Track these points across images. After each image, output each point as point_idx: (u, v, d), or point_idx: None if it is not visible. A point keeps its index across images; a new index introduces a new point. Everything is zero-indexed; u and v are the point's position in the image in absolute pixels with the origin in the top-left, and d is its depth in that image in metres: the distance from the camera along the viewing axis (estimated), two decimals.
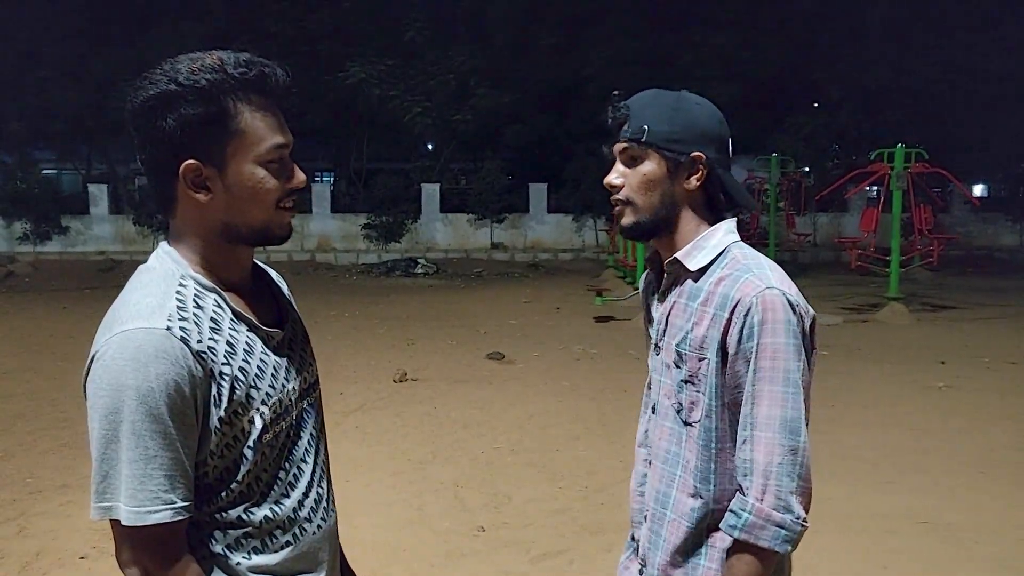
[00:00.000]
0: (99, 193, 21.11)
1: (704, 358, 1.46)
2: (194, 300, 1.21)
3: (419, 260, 18.64)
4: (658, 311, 1.60)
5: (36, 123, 20.56)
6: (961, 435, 5.80)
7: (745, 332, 1.39)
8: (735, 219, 1.57)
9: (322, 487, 1.39)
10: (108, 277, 17.03)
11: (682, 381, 1.51)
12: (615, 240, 16.51)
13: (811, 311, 1.46)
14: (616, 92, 1.53)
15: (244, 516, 1.25)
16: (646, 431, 1.66)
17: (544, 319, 11.22)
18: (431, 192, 21.26)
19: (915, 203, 13.08)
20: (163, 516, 1.14)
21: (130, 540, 1.16)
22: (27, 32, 19.55)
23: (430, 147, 23.76)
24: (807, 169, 21.65)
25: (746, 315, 1.39)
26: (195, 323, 1.18)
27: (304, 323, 1.50)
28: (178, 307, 1.18)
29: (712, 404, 1.46)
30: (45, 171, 26.40)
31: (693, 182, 1.50)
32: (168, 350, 1.13)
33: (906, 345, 9.25)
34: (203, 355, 1.17)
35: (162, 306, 1.17)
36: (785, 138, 20.18)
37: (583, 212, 20.84)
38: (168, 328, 1.14)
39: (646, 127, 1.47)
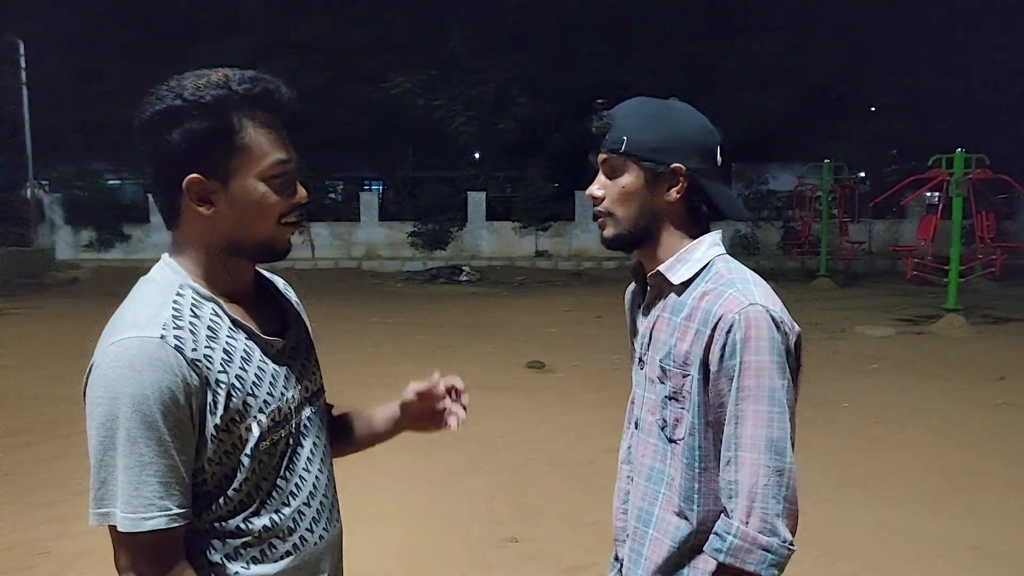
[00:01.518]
0: None
1: (688, 374, 1.42)
2: (191, 309, 1.23)
3: (463, 267, 18.70)
4: (643, 324, 1.57)
5: (93, 135, 21.25)
6: (1019, 457, 5.54)
7: (727, 349, 1.35)
8: (720, 231, 1.53)
9: (326, 497, 1.39)
10: None
11: (666, 397, 1.47)
12: None
13: (796, 328, 1.41)
14: (600, 100, 1.50)
15: (243, 525, 1.26)
16: (629, 447, 1.63)
17: (585, 328, 11.12)
18: (477, 200, 21.34)
19: (976, 210, 12.62)
20: (158, 523, 1.15)
21: (127, 546, 1.17)
22: (84, 48, 20.26)
23: (477, 156, 23.88)
24: (863, 175, 21.14)
25: (728, 332, 1.35)
26: (191, 332, 1.20)
27: (310, 331, 1.50)
28: (174, 316, 1.20)
29: (695, 422, 1.42)
30: (110, 181, 27.34)
31: (673, 194, 1.46)
32: (162, 358, 1.15)
33: (963, 359, 8.91)
34: (198, 363, 1.18)
35: (157, 315, 1.19)
36: (839, 144, 19.73)
37: None
38: (162, 337, 1.16)
39: (625, 138, 1.44)
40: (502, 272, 19.36)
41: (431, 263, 20.17)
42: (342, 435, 1.59)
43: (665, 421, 1.47)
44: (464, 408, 1.57)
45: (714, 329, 1.36)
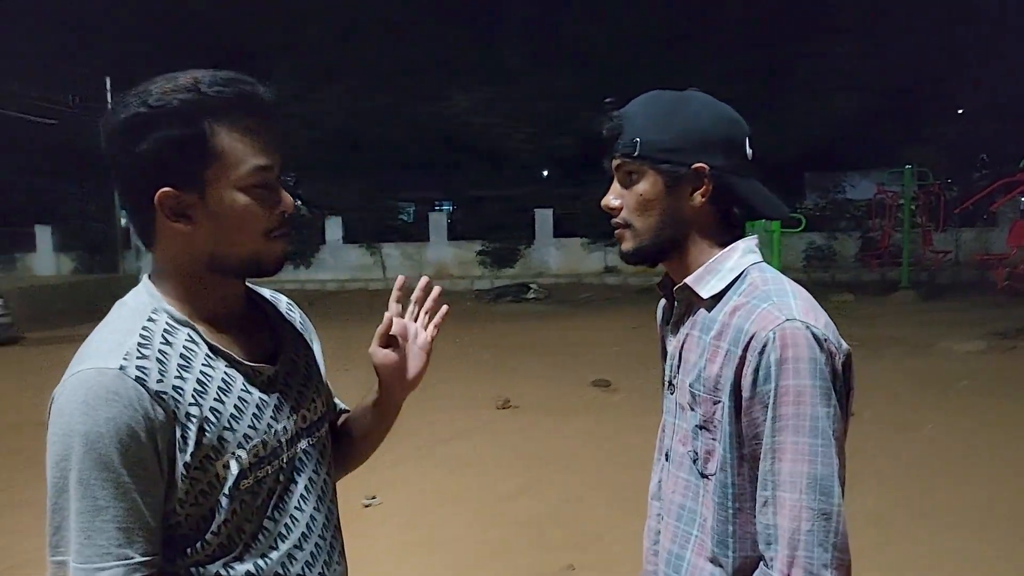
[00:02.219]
0: None
1: (718, 401, 1.25)
2: (163, 336, 1.12)
3: (531, 285, 18.61)
4: (671, 344, 1.40)
5: None
6: None
7: (761, 373, 1.18)
8: (755, 237, 1.35)
9: (322, 538, 1.26)
10: None
11: (697, 426, 1.30)
12: None
13: (844, 346, 1.23)
14: (608, 99, 1.35)
15: (223, 572, 1.14)
16: (659, 481, 1.46)
17: (651, 346, 10.80)
18: (544, 217, 21.27)
19: None
20: (114, 573, 1.04)
21: None
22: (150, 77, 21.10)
23: (545, 173, 23.83)
24: (949, 181, 20.17)
25: (762, 352, 1.18)
26: (158, 361, 1.09)
27: (317, 355, 1.40)
28: (139, 344, 1.09)
29: (727, 456, 1.25)
30: None
31: (698, 198, 1.30)
32: (120, 392, 1.05)
33: None
34: (163, 396, 1.07)
35: (121, 344, 1.09)
36: (921, 149, 18.87)
37: None
38: (122, 368, 1.06)
39: (638, 139, 1.29)
40: (569, 289, 19.18)
41: (499, 281, 20.15)
42: (345, 443, 1.47)
43: (696, 453, 1.31)
44: (437, 324, 1.40)
45: (746, 349, 1.20)
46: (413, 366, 1.39)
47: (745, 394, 1.21)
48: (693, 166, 1.27)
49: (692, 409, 1.31)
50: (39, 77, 20.50)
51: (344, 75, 19.53)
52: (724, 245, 1.32)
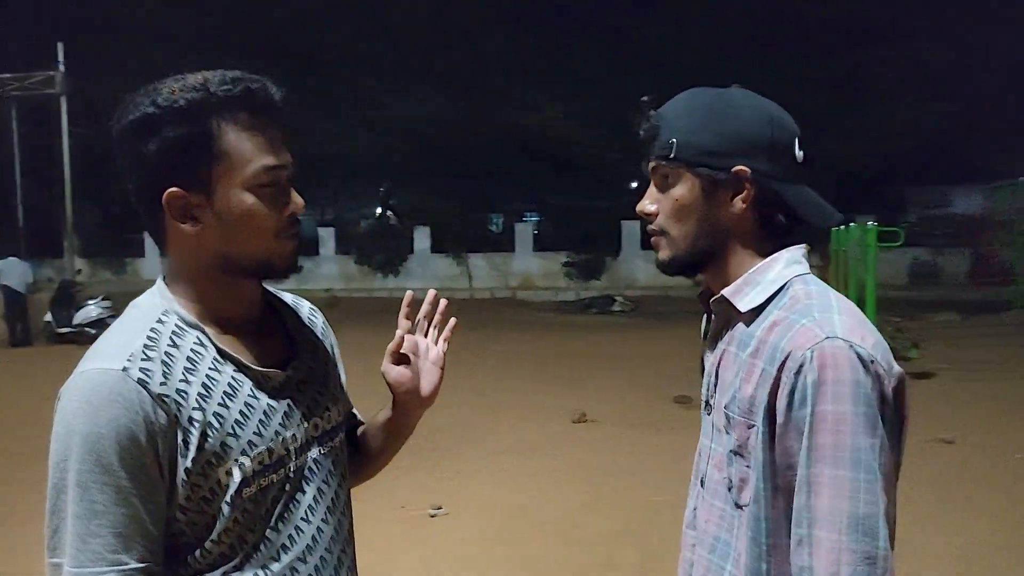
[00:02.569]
0: (327, 236, 23.13)
1: (753, 425, 1.15)
2: (171, 338, 1.11)
3: (616, 297, 18.42)
4: (709, 360, 1.31)
5: None
6: None
7: (797, 396, 1.08)
8: (802, 247, 1.24)
9: (330, 552, 1.22)
10: (328, 313, 18.32)
11: (731, 451, 1.20)
12: (827, 276, 15.25)
13: (896, 370, 1.11)
14: (645, 98, 1.27)
15: None
16: (694, 509, 1.35)
17: None
18: (631, 229, 21.04)
19: None
20: None
21: None
22: None
23: (634, 185, 23.58)
24: None
25: (797, 373, 1.08)
26: (163, 363, 1.08)
27: (335, 363, 1.37)
28: (145, 346, 1.08)
29: (761, 486, 1.14)
30: None
31: (738, 204, 1.20)
32: (123, 393, 1.03)
33: None
34: (165, 398, 1.06)
35: (127, 345, 1.08)
36: None
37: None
38: (124, 369, 1.05)
39: (674, 141, 1.20)
40: (657, 302, 18.86)
41: (585, 293, 20.03)
42: (359, 455, 1.44)
43: (731, 480, 1.21)
44: (447, 337, 1.36)
45: (781, 369, 1.09)
46: (427, 382, 1.34)
47: (779, 419, 1.10)
48: (733, 170, 1.18)
49: (727, 432, 1.21)
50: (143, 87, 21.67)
51: (434, 86, 19.86)
52: (767, 255, 1.22)
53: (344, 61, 21.41)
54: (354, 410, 1.48)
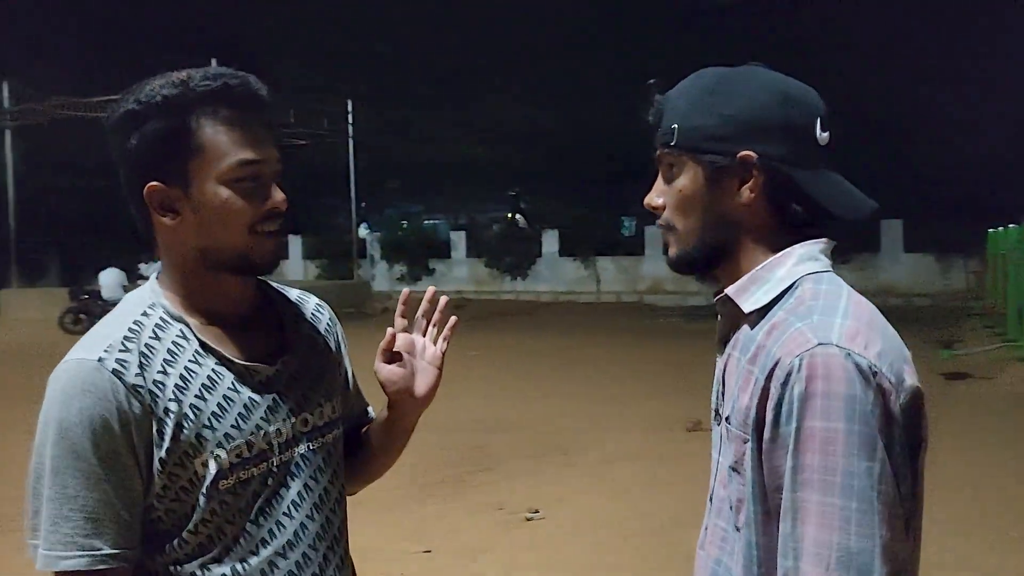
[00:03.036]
0: (458, 239, 23.66)
1: (747, 440, 1.02)
2: (153, 330, 1.13)
3: None
4: (718, 366, 1.18)
5: (408, 180, 23.83)
6: None
7: (784, 409, 0.95)
8: (822, 242, 1.08)
9: (314, 548, 1.20)
10: (457, 313, 18.69)
11: (730, 467, 1.08)
12: (983, 282, 14.05)
13: (908, 383, 0.97)
14: (652, 81, 1.15)
15: (199, 572, 1.12)
16: (705, 528, 1.21)
17: None
18: None
19: None
20: (76, 563, 1.04)
21: None
22: (400, 103, 22.87)
23: None
24: None
25: (784, 384, 0.95)
26: (141, 355, 1.10)
27: (338, 360, 1.35)
28: (125, 338, 1.10)
29: (752, 508, 1.02)
30: (428, 221, 30.46)
31: (746, 193, 1.06)
32: (96, 383, 1.06)
33: None
34: (140, 389, 1.07)
35: (107, 336, 1.11)
36: None
37: (948, 251, 18.16)
38: (100, 360, 1.07)
39: (675, 126, 1.08)
40: None
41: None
42: (363, 454, 1.40)
43: (731, 500, 1.09)
44: (446, 336, 1.30)
45: (769, 378, 0.97)
46: (422, 382, 1.29)
47: (766, 435, 0.97)
48: (739, 154, 1.05)
49: (729, 445, 1.09)
50: (295, 102, 22.95)
51: (564, 91, 19.90)
52: (776, 250, 1.08)
53: (476, 72, 21.86)
54: (368, 408, 1.46)
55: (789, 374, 0.94)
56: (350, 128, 21.85)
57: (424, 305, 1.30)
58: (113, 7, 27.74)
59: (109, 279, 14.70)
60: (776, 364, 0.96)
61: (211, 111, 1.10)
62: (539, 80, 21.03)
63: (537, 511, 4.91)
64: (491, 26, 21.48)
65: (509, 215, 27.13)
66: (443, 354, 1.30)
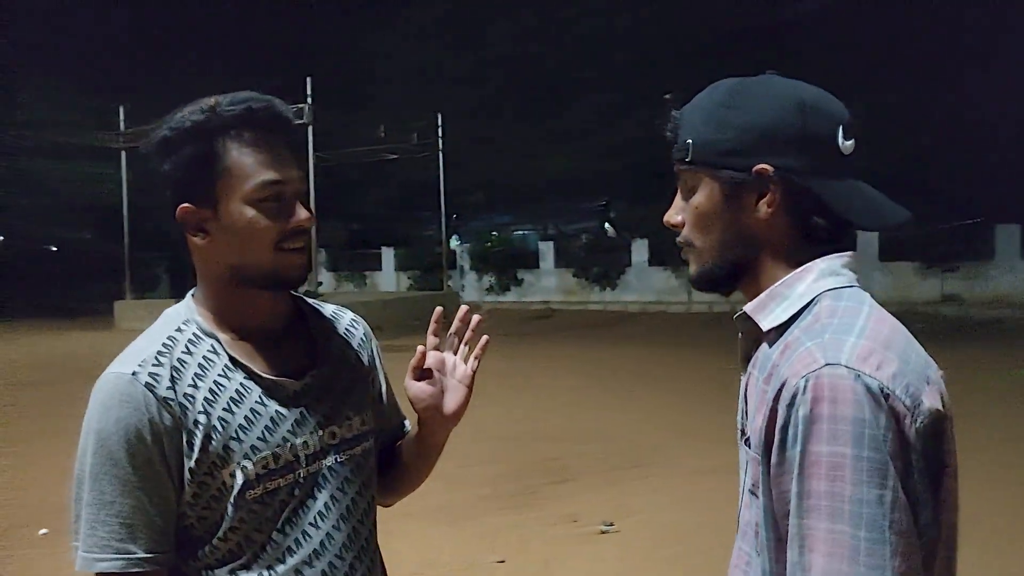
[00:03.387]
0: (546, 250, 23.72)
1: (760, 463, 0.98)
2: (186, 346, 1.19)
3: None
4: (742, 385, 1.14)
5: (495, 192, 24.03)
6: None
7: (790, 432, 0.91)
8: (847, 255, 1.03)
9: (340, 558, 1.23)
10: (542, 324, 18.85)
11: (749, 491, 1.04)
12: None
13: (927, 406, 0.90)
14: (667, 95, 1.12)
15: None
16: (735, 549, 1.17)
17: (995, 382, 9.19)
18: (867, 239, 19.34)
19: None
20: (111, 566, 1.10)
21: None
22: (485, 117, 23.12)
23: None
24: None
25: (790, 406, 0.91)
26: (173, 369, 1.16)
27: (372, 374, 1.39)
28: (158, 353, 1.17)
29: (764, 535, 0.98)
30: (517, 231, 30.63)
31: (764, 208, 1.02)
32: (131, 396, 1.12)
33: None
34: (171, 402, 1.13)
35: (142, 351, 1.17)
36: None
37: None
38: (134, 374, 1.14)
39: (690, 141, 1.06)
40: (898, 318, 17.14)
41: None
42: (397, 467, 1.44)
43: (752, 524, 1.04)
44: (478, 355, 1.30)
45: (776, 399, 0.94)
46: (451, 400, 1.30)
47: (773, 458, 0.94)
48: (755, 168, 1.01)
49: (749, 468, 1.05)
50: (385, 119, 23.58)
51: (648, 101, 19.70)
52: (796, 266, 1.04)
53: (564, 81, 21.89)
54: (405, 421, 1.49)
55: (795, 395, 0.90)
56: (440, 141, 22.20)
57: (456, 323, 1.30)
58: (218, 28, 29.25)
59: None
60: (783, 385, 0.93)
61: (236, 134, 1.16)
62: (628, 90, 20.84)
63: (611, 524, 4.82)
64: (580, 45, 21.51)
65: (599, 225, 27.01)
66: (473, 373, 1.31)
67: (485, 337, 1.31)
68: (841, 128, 1.02)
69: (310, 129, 17.05)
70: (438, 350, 1.29)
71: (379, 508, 1.38)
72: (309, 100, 16.89)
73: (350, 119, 21.15)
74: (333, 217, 23.19)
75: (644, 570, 4.21)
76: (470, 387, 1.30)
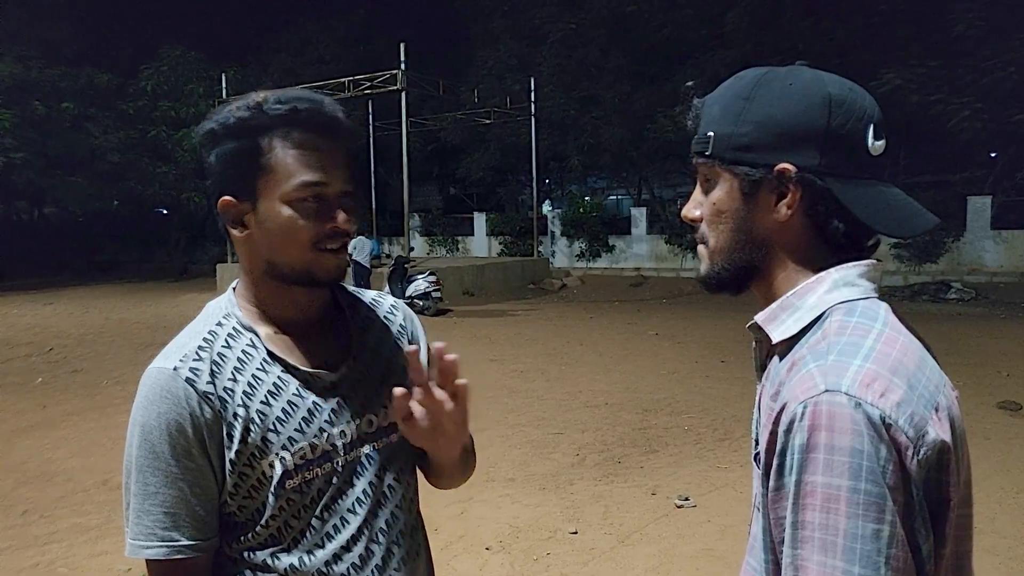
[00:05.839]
0: (639, 215, 23.34)
1: (762, 483, 0.96)
2: (226, 340, 1.23)
3: (954, 284, 16.12)
4: (756, 396, 1.10)
5: (591, 156, 23.67)
6: None
7: (787, 459, 0.88)
8: (866, 264, 0.99)
9: (378, 543, 1.27)
10: (635, 291, 18.69)
11: (755, 507, 1.03)
12: None
13: (933, 437, 0.86)
14: (690, 83, 1.09)
15: (270, 560, 1.22)
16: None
17: None
18: (979, 206, 18.20)
19: None
20: (156, 553, 1.16)
21: (150, 572, 1.20)
22: (583, 78, 22.73)
23: (993, 155, 20.34)
24: None
25: (788, 432, 0.88)
26: (213, 364, 1.19)
27: (406, 359, 1.31)
28: (199, 347, 1.21)
29: (762, 557, 0.98)
30: (609, 197, 30.23)
31: (783, 209, 0.98)
32: (172, 390, 1.16)
33: None
34: (210, 396, 1.17)
35: (184, 346, 1.21)
36: None
37: None
38: (175, 369, 1.18)
39: (711, 134, 1.02)
40: (1009, 291, 16.18)
41: (916, 278, 17.84)
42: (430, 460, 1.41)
43: (755, 538, 1.04)
44: (456, 395, 1.18)
45: (776, 423, 0.90)
46: (450, 426, 1.21)
47: (771, 483, 0.91)
48: (776, 167, 0.97)
49: (755, 482, 1.04)
50: (481, 83, 23.53)
51: (768, 61, 18.84)
52: (813, 272, 1.00)
53: (674, 43, 21.20)
54: None
55: (792, 422, 0.87)
56: (532, 106, 22.06)
57: (433, 372, 1.20)
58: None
59: (357, 245, 14.79)
60: (783, 408, 0.89)
61: (284, 133, 1.17)
62: (732, 48, 19.99)
63: (688, 498, 4.83)
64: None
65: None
66: (464, 401, 1.20)
67: (463, 382, 1.19)
68: (872, 127, 0.97)
69: (403, 95, 17.27)
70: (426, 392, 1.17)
71: (463, 477, 1.40)
72: (403, 66, 17.08)
73: (447, 83, 21.20)
74: (430, 182, 23.31)
75: (721, 546, 4.21)
76: (464, 412, 1.21)
